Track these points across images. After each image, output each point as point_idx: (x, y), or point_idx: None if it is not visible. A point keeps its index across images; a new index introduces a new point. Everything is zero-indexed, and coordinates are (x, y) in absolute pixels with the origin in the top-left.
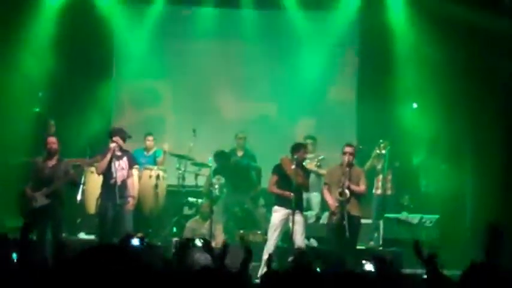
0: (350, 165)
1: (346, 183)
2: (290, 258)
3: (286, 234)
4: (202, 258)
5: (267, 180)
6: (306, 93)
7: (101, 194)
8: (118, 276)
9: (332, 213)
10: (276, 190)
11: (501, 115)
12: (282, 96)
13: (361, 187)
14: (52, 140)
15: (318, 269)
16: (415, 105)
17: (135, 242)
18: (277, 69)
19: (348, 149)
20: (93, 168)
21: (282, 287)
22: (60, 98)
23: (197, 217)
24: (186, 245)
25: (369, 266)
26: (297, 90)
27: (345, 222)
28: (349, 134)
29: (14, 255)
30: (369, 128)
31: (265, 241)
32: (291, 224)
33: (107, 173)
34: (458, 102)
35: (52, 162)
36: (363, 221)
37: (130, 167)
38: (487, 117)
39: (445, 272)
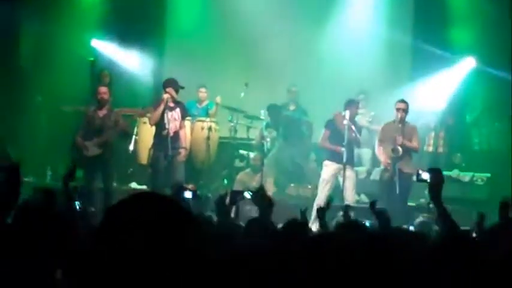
0: (403, 121)
1: (400, 139)
2: (340, 214)
3: (337, 189)
4: (252, 210)
5: (319, 135)
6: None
7: (153, 144)
8: (167, 226)
9: (384, 170)
10: (327, 145)
11: None
12: (337, 51)
13: (414, 143)
14: (103, 89)
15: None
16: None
17: (188, 194)
18: (332, 25)
19: (400, 105)
20: (145, 119)
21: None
22: (114, 48)
23: (248, 170)
24: (222, 201)
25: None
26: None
27: (396, 179)
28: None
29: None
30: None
31: (315, 196)
32: (341, 179)
33: (160, 124)
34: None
35: (103, 112)
36: (415, 177)
37: (183, 118)
38: None
39: None
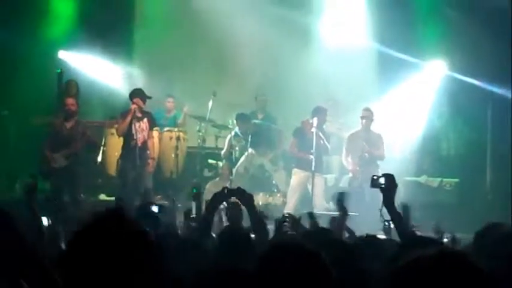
0: (368, 129)
1: (366, 148)
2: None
3: (306, 197)
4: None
5: (288, 143)
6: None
7: (121, 155)
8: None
9: (352, 178)
10: (296, 152)
11: None
12: (304, 59)
13: (380, 151)
14: (70, 101)
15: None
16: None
17: (155, 209)
18: (299, 29)
19: (365, 113)
20: (113, 130)
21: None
22: (82, 59)
23: (217, 179)
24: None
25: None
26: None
27: (365, 186)
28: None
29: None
30: None
31: (284, 204)
32: (310, 187)
33: (127, 135)
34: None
35: (70, 124)
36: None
37: (151, 128)
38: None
39: (461, 235)
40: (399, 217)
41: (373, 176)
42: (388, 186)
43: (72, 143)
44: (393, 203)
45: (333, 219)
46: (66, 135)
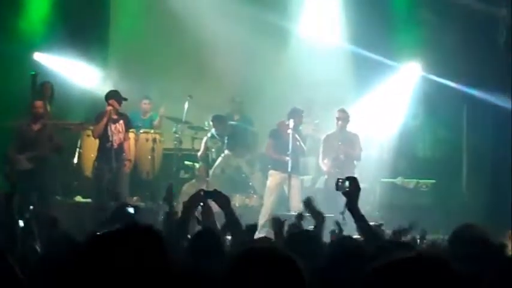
0: (344, 130)
1: (341, 148)
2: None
3: (283, 198)
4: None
5: (264, 145)
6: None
7: (97, 157)
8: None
9: (328, 178)
10: (272, 154)
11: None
12: (281, 60)
13: (356, 151)
14: (38, 103)
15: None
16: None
17: (131, 210)
18: (275, 31)
19: (340, 115)
20: (89, 132)
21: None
22: (57, 61)
23: (193, 181)
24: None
25: (345, 184)
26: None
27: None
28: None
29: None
30: None
31: (261, 205)
32: (286, 188)
33: (103, 137)
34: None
35: (37, 126)
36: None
37: (127, 130)
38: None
39: (436, 236)
40: (363, 220)
41: (338, 179)
42: (353, 190)
43: (38, 145)
44: (356, 206)
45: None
46: (33, 137)
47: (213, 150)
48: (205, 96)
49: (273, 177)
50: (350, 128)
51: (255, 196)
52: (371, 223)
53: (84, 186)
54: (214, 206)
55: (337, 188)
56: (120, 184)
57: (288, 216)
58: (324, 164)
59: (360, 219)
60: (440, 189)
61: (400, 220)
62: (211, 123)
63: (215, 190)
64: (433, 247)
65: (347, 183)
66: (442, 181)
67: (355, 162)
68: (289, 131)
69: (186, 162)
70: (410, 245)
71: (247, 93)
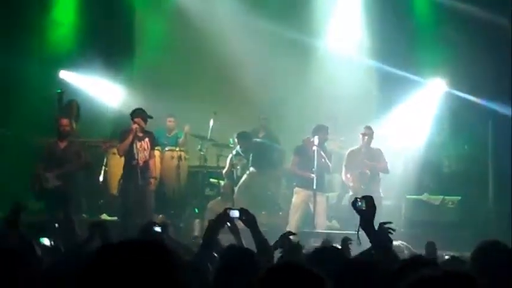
0: (368, 146)
1: (367, 163)
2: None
3: (309, 216)
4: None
5: (289, 161)
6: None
7: (123, 175)
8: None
9: (353, 196)
10: (297, 171)
11: None
12: (305, 76)
13: (382, 164)
14: (64, 121)
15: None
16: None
17: (158, 229)
18: (299, 47)
19: (365, 131)
20: (115, 150)
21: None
22: (83, 79)
23: (219, 198)
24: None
25: (362, 203)
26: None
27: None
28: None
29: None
30: None
31: (287, 223)
32: (312, 206)
33: (129, 154)
34: (477, 83)
35: (63, 144)
36: (385, 202)
37: (152, 147)
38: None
39: (464, 253)
40: (378, 240)
41: (356, 198)
42: (367, 208)
43: (64, 163)
44: (372, 226)
45: (346, 238)
46: (59, 155)
47: (238, 167)
48: (230, 113)
49: (299, 195)
50: (375, 144)
51: (280, 213)
52: (395, 242)
53: (110, 204)
54: (239, 224)
55: (353, 206)
56: (145, 202)
57: (314, 234)
58: (347, 179)
59: (374, 239)
60: (467, 206)
61: (426, 238)
62: (236, 140)
63: (242, 208)
64: (452, 263)
65: (363, 202)
66: (468, 197)
67: (380, 176)
68: (314, 147)
69: (212, 180)
70: (434, 262)
71: (272, 110)
